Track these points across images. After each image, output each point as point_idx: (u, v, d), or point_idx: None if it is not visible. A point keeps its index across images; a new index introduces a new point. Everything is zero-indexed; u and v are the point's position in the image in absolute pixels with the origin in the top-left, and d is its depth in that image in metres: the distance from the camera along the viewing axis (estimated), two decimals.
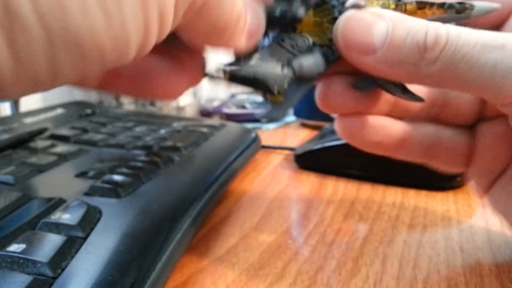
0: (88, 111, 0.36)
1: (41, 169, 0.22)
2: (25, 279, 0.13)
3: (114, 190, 0.19)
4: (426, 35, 0.14)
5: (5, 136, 0.26)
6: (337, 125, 0.19)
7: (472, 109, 0.19)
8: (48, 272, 0.13)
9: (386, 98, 0.19)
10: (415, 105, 0.19)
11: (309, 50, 0.16)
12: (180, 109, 0.48)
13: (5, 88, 0.09)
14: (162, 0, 0.11)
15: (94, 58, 0.10)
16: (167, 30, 0.12)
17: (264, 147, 0.36)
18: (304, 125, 0.46)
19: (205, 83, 0.51)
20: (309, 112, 0.45)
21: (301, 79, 0.16)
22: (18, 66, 0.09)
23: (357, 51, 0.15)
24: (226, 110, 0.49)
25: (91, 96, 0.53)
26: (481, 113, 0.19)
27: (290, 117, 0.50)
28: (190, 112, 0.49)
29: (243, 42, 0.15)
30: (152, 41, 0.11)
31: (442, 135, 0.19)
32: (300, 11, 0.16)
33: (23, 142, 0.26)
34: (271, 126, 0.47)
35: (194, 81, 0.17)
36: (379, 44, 0.14)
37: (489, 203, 0.19)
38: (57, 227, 0.15)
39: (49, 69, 0.09)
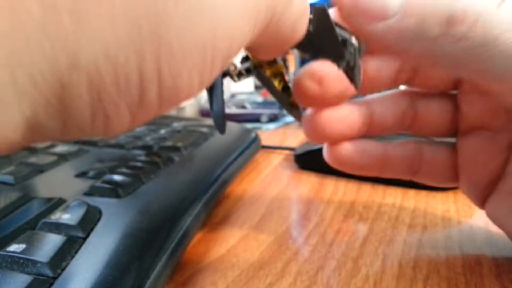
0: None
1: (41, 169, 0.22)
2: (25, 279, 0.13)
3: (114, 190, 0.19)
4: (452, 5, 0.12)
5: None
6: (327, 155, 0.20)
7: (443, 121, 0.19)
8: (48, 272, 0.13)
9: (364, 120, 0.19)
10: (388, 120, 0.19)
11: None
12: (180, 109, 0.48)
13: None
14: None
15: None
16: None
17: (264, 147, 0.36)
18: None
19: None
20: None
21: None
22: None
23: (367, 15, 0.12)
24: (226, 110, 0.49)
25: None
26: (456, 127, 0.19)
27: (290, 117, 0.50)
28: (190, 112, 0.49)
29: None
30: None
31: (423, 151, 0.19)
32: None
33: None
34: (271, 126, 0.47)
35: None
36: (394, 8, 0.12)
37: (487, 216, 0.19)
38: (57, 227, 0.15)
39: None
